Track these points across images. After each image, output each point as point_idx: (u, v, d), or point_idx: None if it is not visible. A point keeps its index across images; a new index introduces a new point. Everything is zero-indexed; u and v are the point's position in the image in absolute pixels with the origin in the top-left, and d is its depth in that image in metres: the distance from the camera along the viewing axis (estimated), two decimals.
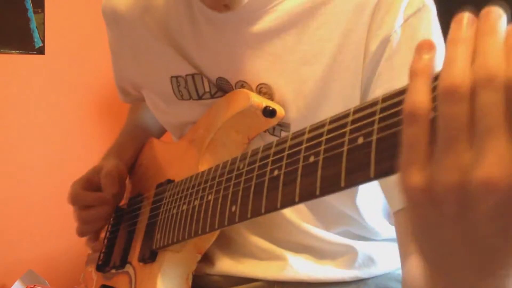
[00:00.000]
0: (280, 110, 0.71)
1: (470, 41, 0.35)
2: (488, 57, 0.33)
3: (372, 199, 0.77)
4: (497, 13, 0.35)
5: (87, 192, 0.89)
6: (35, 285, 1.63)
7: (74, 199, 0.88)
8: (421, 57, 0.36)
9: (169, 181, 0.81)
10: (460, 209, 0.34)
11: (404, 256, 0.62)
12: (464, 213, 0.34)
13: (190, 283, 0.75)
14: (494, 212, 0.32)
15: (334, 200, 0.76)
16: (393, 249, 0.77)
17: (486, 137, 0.32)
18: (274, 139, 0.58)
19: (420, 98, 0.35)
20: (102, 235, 0.93)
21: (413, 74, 0.36)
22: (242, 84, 0.75)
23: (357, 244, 0.78)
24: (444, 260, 0.38)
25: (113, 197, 0.88)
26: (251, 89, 0.74)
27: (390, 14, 0.66)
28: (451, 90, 0.33)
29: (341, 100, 0.69)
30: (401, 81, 0.39)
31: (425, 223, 0.36)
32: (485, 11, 0.35)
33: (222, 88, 0.78)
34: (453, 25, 0.36)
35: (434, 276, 0.40)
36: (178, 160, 0.85)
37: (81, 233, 0.90)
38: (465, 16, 0.36)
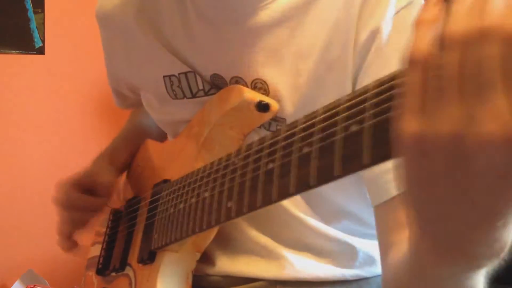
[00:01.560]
0: (274, 104, 0.71)
1: None
2: (491, 11, 0.30)
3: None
4: None
5: (84, 195, 0.88)
6: (35, 285, 1.63)
7: (67, 201, 0.87)
8: (428, 8, 0.35)
9: (165, 181, 0.81)
10: (452, 164, 0.32)
11: (384, 250, 0.62)
12: (456, 170, 0.32)
13: (190, 283, 0.75)
14: (488, 171, 0.31)
15: (332, 193, 0.75)
16: None
17: (484, 91, 0.30)
18: None
19: (421, 45, 0.33)
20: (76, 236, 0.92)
21: (419, 23, 0.34)
22: (237, 80, 0.74)
23: (358, 242, 0.78)
24: (434, 215, 0.37)
25: (106, 206, 0.90)
26: (246, 85, 0.73)
27: (381, 5, 0.67)
28: (453, 39, 0.31)
29: (336, 92, 0.69)
30: (389, 71, 0.39)
31: (417, 177, 0.35)
32: None
33: (216, 85, 0.77)
34: None
35: (422, 233, 0.40)
36: (174, 159, 0.85)
37: (63, 234, 0.90)
38: None
